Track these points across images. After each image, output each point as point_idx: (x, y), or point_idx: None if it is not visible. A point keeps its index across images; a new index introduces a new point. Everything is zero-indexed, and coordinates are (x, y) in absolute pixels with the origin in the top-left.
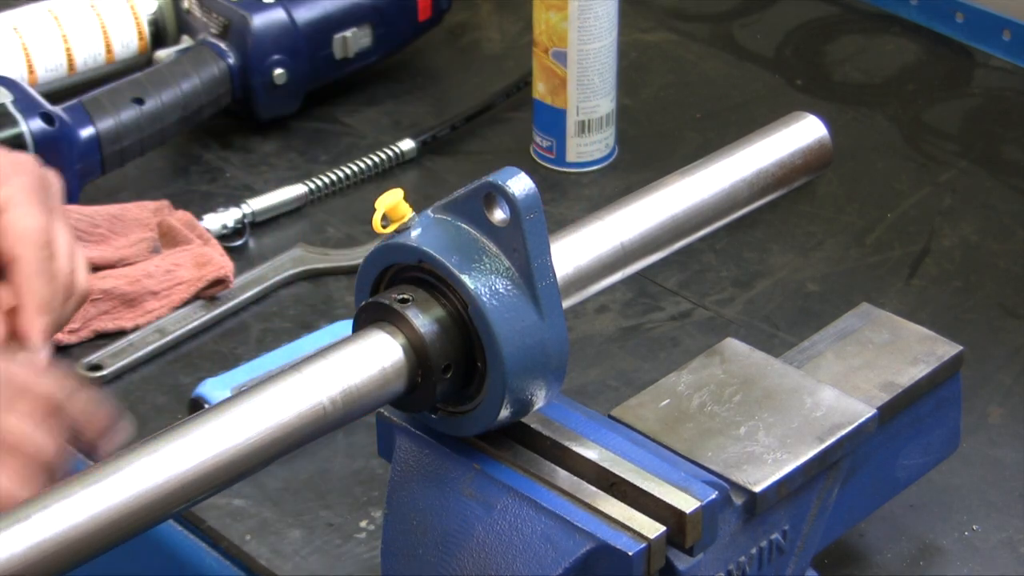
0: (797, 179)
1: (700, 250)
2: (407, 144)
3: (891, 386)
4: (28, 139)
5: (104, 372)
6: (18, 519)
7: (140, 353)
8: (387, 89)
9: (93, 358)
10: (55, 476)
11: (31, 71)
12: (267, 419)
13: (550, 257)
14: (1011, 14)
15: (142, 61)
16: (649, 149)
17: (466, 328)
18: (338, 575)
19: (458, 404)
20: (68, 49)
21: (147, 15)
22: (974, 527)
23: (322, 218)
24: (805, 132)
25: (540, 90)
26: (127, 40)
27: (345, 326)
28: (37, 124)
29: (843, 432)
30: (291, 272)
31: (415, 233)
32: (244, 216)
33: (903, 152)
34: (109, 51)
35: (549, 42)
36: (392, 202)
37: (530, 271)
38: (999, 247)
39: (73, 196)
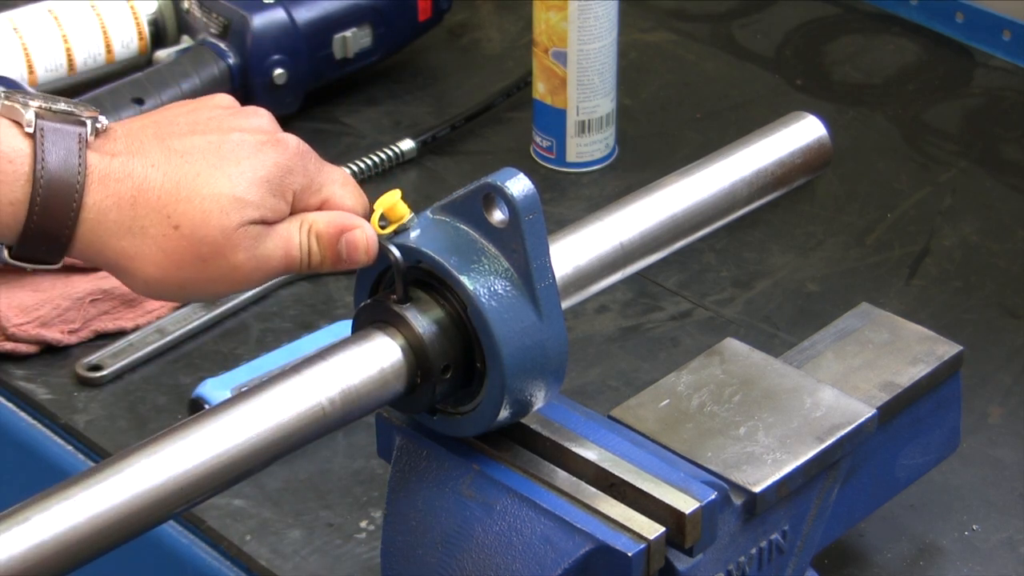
0: (797, 179)
1: (700, 250)
2: (407, 144)
3: (891, 386)
4: None
5: (104, 372)
6: (18, 520)
7: (140, 353)
8: (387, 89)
9: (93, 358)
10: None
11: (31, 71)
12: (266, 420)
13: (549, 258)
14: (1011, 14)
15: (142, 61)
16: (649, 149)
17: (465, 329)
18: (338, 575)
19: (457, 405)
20: (68, 49)
21: (147, 15)
22: (974, 527)
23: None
24: (805, 132)
25: (540, 90)
26: (127, 40)
27: (345, 326)
28: None
29: (843, 432)
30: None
31: (414, 234)
32: None
33: (903, 152)
34: (109, 51)
35: (549, 42)
36: (390, 202)
37: (529, 272)
38: (999, 247)
39: None
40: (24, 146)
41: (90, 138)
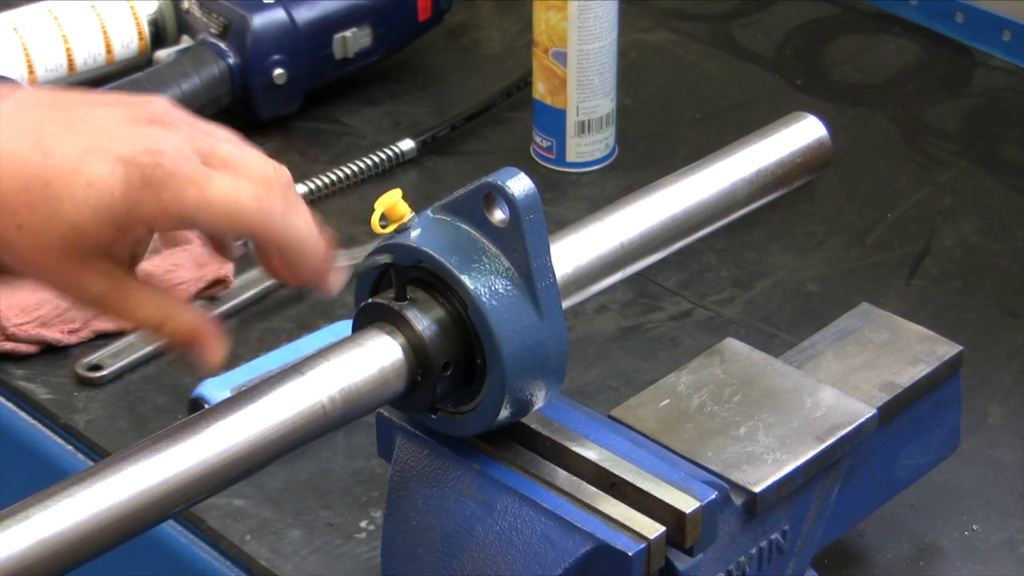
0: (797, 179)
1: (700, 250)
2: (407, 144)
3: (891, 386)
4: None
5: (104, 372)
6: (18, 518)
7: (140, 353)
8: (387, 89)
9: (93, 358)
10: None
11: (31, 71)
12: (267, 419)
13: (550, 257)
14: (1011, 14)
15: (142, 61)
16: (649, 149)
17: (466, 328)
18: (338, 575)
19: (458, 404)
20: (68, 49)
21: (147, 15)
22: (974, 527)
23: (322, 218)
24: (805, 132)
25: (540, 90)
26: (127, 40)
27: (345, 326)
28: None
29: (843, 432)
30: None
31: (415, 234)
32: None
33: (903, 152)
34: (109, 51)
35: (549, 42)
36: (390, 202)
37: (530, 271)
38: (999, 247)
39: None
40: None
41: None
